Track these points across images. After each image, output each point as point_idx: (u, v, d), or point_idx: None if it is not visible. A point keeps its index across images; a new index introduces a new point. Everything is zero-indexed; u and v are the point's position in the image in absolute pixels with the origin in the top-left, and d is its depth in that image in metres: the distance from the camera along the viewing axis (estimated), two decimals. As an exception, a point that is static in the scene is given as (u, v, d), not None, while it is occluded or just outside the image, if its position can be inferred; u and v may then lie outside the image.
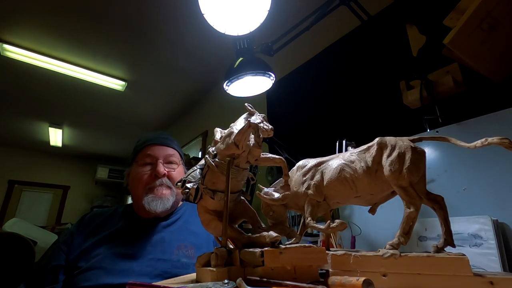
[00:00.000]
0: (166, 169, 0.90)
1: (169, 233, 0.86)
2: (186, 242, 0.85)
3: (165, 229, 0.87)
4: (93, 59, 2.45)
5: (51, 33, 2.13)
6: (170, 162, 0.93)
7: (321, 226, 0.47)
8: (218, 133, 0.54)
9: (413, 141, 0.47)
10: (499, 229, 0.74)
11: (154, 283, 0.39)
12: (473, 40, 0.76)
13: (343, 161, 0.51)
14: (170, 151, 0.94)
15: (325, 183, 0.51)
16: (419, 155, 0.45)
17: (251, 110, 0.48)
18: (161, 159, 0.90)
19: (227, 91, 1.08)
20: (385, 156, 0.47)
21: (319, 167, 0.54)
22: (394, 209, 0.59)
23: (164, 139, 0.95)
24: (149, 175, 0.88)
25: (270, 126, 0.45)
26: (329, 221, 0.46)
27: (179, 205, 0.97)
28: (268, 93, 1.68)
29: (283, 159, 0.48)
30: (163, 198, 0.86)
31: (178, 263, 0.79)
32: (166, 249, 0.81)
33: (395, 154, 0.45)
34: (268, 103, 2.01)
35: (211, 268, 0.42)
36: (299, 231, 0.57)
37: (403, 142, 0.47)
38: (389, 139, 0.48)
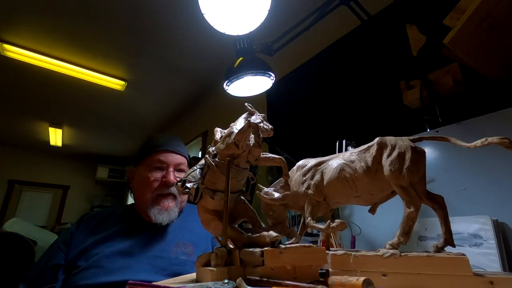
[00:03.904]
0: (177, 178, 0.89)
1: (168, 231, 0.87)
2: (184, 240, 0.86)
3: (164, 228, 0.88)
4: (93, 59, 2.45)
5: (51, 33, 2.13)
6: (180, 171, 0.92)
7: (321, 226, 0.47)
8: (218, 133, 0.54)
9: (413, 141, 0.47)
10: (499, 229, 0.74)
11: (154, 283, 0.39)
12: (473, 40, 0.76)
13: (343, 161, 0.51)
14: (181, 159, 0.93)
15: (325, 183, 0.51)
16: (419, 155, 0.45)
17: (251, 110, 0.48)
18: (172, 167, 0.90)
19: (227, 91, 1.08)
20: (385, 156, 0.46)
21: (319, 167, 0.54)
22: (394, 209, 0.59)
23: (178, 146, 0.94)
24: (159, 182, 0.87)
25: (270, 126, 0.45)
26: (329, 221, 0.46)
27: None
28: (268, 93, 1.68)
29: (283, 159, 0.48)
30: (169, 211, 0.86)
31: (176, 260, 0.80)
32: (164, 246, 0.82)
33: (395, 154, 0.45)
34: (268, 103, 2.01)
35: (211, 268, 0.42)
36: (299, 231, 0.57)
37: (403, 142, 0.47)
38: (389, 139, 0.48)
